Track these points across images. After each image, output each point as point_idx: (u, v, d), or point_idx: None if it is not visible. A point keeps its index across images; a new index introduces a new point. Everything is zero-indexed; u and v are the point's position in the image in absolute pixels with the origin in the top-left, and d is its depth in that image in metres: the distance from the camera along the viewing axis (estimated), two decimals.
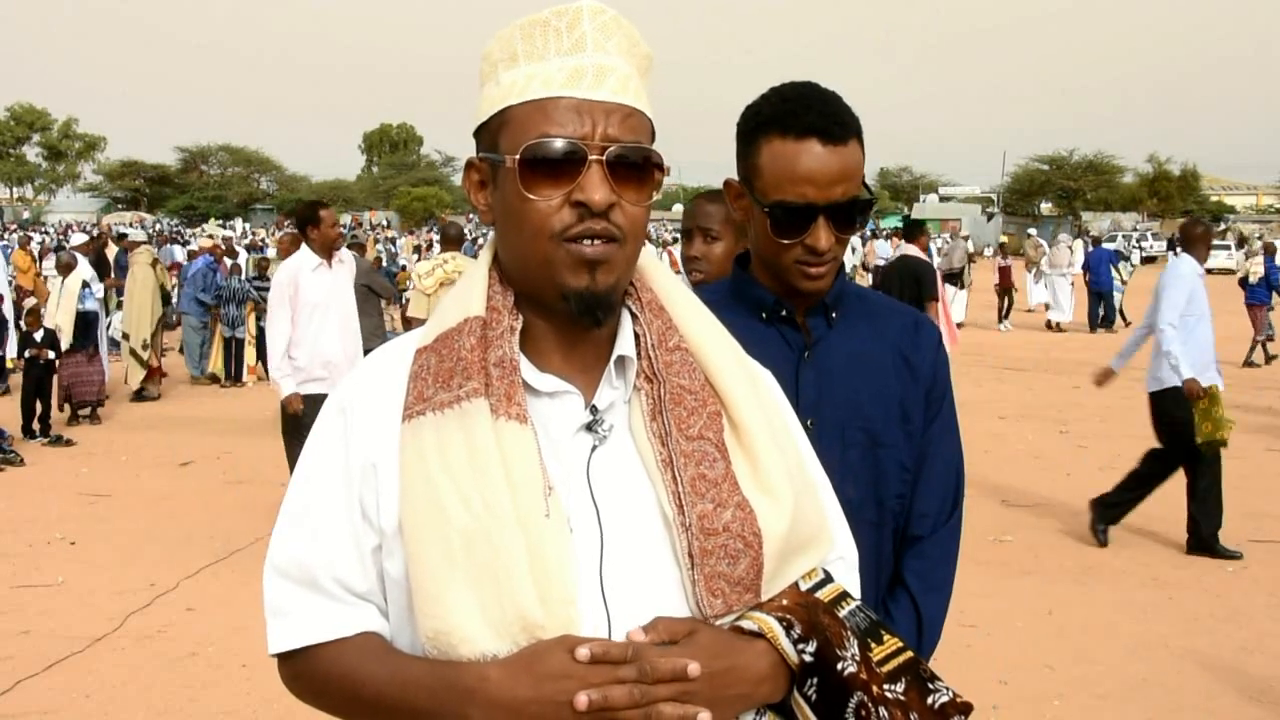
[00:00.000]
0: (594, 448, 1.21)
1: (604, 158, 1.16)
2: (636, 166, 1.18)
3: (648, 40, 1.26)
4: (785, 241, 1.67)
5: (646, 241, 1.33)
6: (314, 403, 5.99)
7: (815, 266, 1.67)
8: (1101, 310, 19.89)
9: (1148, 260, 35.90)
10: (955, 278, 19.95)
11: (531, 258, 1.19)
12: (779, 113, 1.66)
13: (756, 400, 1.27)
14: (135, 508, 7.61)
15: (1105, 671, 4.78)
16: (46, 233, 40.28)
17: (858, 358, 1.74)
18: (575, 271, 1.17)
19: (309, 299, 6.33)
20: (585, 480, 1.19)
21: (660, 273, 1.33)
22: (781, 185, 1.64)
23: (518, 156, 1.17)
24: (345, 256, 6.79)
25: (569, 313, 1.19)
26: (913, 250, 9.34)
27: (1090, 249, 22.54)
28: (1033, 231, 31.91)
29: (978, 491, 7.38)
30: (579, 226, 1.16)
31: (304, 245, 6.46)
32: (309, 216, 6.47)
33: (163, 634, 5.22)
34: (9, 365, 12.85)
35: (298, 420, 6.08)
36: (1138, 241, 42.46)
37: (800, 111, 1.64)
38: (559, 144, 1.15)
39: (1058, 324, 20.03)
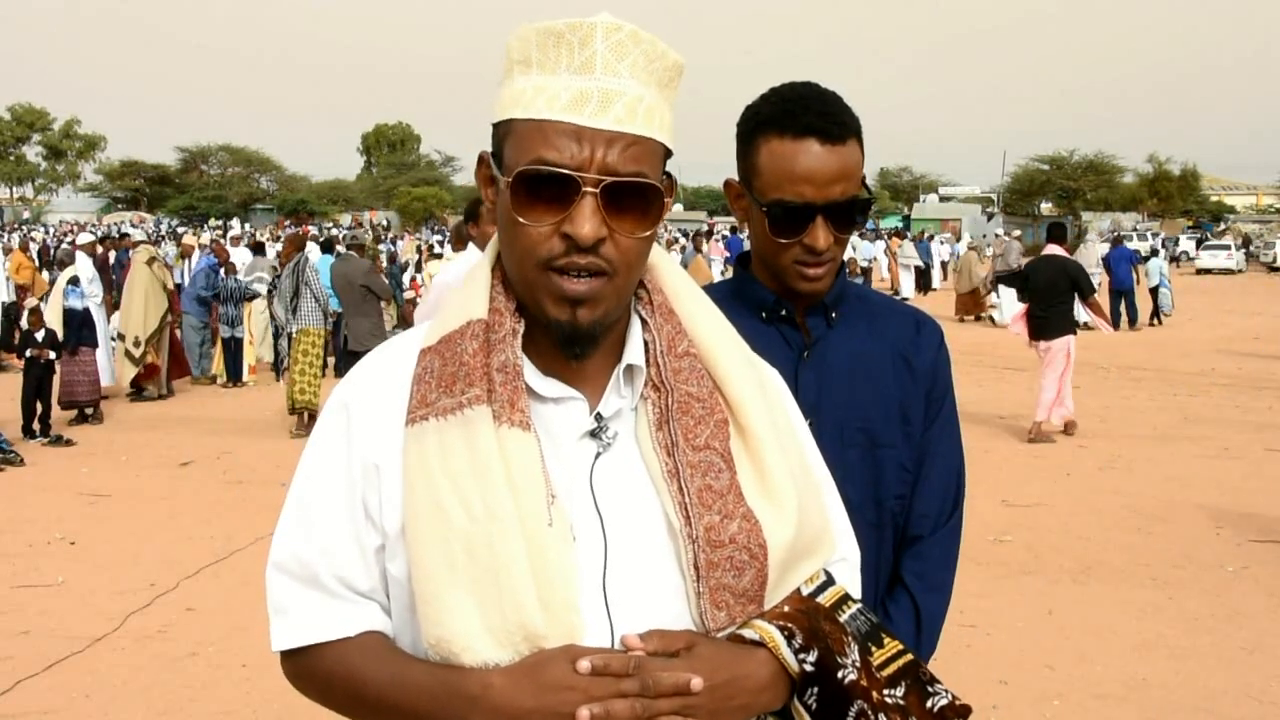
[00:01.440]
0: (598, 455, 1.20)
1: (598, 190, 1.13)
2: (636, 197, 1.15)
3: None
4: (783, 241, 1.67)
5: (654, 243, 1.32)
6: None
7: (813, 267, 1.67)
8: (1124, 310, 20.02)
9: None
10: (1014, 277, 20.00)
11: (520, 278, 1.19)
12: (778, 112, 1.66)
13: (764, 404, 1.26)
14: (135, 508, 7.61)
15: (1105, 671, 4.78)
16: (45, 232, 40.24)
17: (858, 358, 1.74)
18: (558, 305, 1.15)
19: None
20: (589, 488, 1.18)
21: (672, 272, 1.32)
22: (780, 185, 1.64)
23: (511, 178, 1.15)
24: None
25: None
26: (1057, 250, 10.12)
27: (1111, 248, 22.63)
28: (999, 231, 32.15)
29: (978, 491, 7.38)
30: (564, 259, 1.14)
31: (470, 245, 5.78)
32: (475, 213, 5.74)
33: (163, 634, 5.22)
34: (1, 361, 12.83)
35: None
36: (1164, 241, 42.49)
37: (799, 111, 1.64)
38: (552, 172, 1.13)
39: (1084, 323, 20.06)
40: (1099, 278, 20.59)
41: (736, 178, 1.76)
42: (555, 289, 1.15)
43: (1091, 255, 20.95)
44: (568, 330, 1.16)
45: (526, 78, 1.17)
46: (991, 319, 21.04)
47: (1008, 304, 19.88)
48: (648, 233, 1.17)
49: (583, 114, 1.13)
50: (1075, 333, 9.93)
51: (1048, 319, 9.74)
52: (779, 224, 1.66)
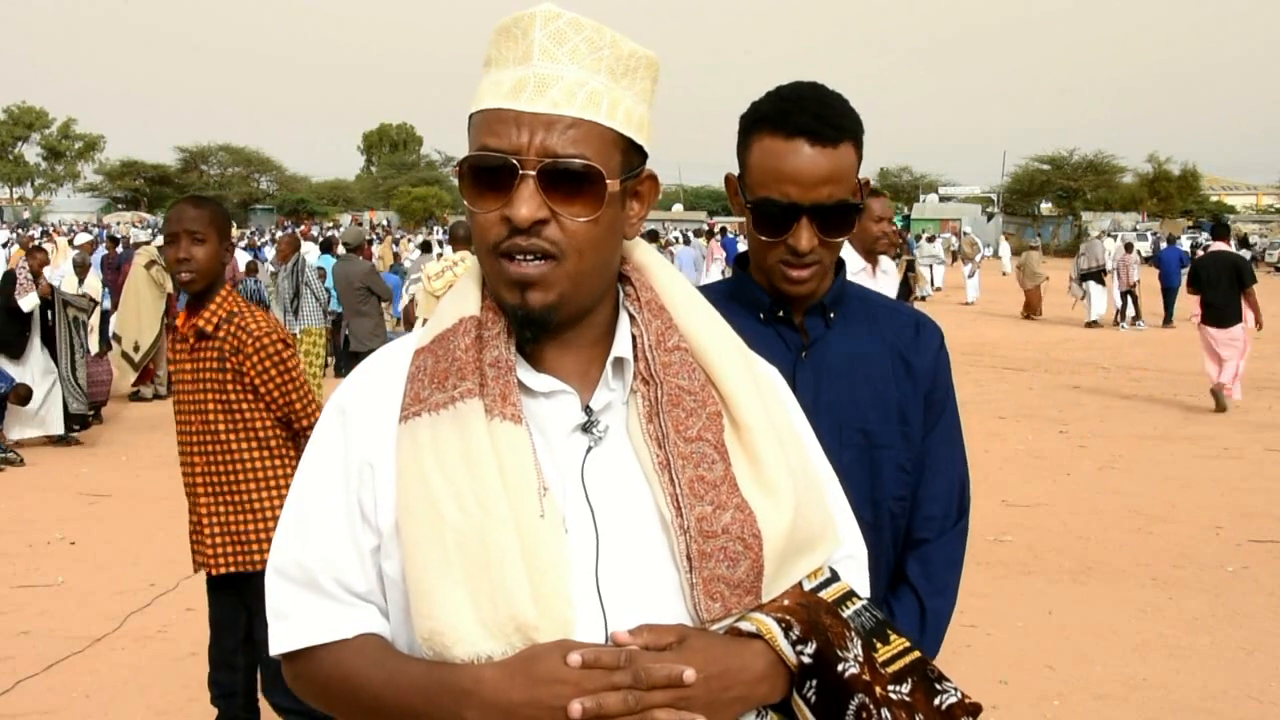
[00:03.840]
0: (589, 449, 1.21)
1: (535, 172, 1.14)
2: (580, 179, 1.15)
3: (646, 41, 1.23)
4: (767, 240, 1.67)
5: (644, 241, 1.32)
6: None
7: (797, 269, 1.67)
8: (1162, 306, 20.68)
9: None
10: (1098, 275, 20.25)
11: (482, 268, 1.21)
12: (773, 111, 1.66)
13: (759, 398, 1.26)
14: (135, 508, 7.61)
15: (1105, 671, 4.78)
16: (45, 232, 40.25)
17: (856, 359, 1.74)
18: (509, 288, 1.17)
19: None
20: (580, 481, 1.19)
21: (662, 270, 1.32)
22: (767, 183, 1.64)
23: (459, 168, 1.18)
24: (888, 266, 5.15)
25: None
26: (1222, 246, 11.69)
27: (1165, 247, 23.69)
28: (968, 230, 32.69)
29: (978, 491, 7.35)
30: (508, 242, 1.15)
31: (845, 244, 5.35)
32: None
33: (163, 634, 5.22)
34: None
35: None
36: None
37: (793, 111, 1.63)
38: (489, 157, 1.15)
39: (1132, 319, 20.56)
40: (1138, 273, 20.93)
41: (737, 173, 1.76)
42: (504, 273, 1.17)
43: (1096, 251, 20.98)
44: (520, 314, 1.17)
45: (486, 76, 1.21)
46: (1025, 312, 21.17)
47: (1096, 300, 20.18)
48: (592, 216, 1.17)
49: (520, 99, 1.15)
50: (1244, 320, 11.17)
51: (1224, 308, 11.05)
52: (763, 222, 1.66)
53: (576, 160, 1.15)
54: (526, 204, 1.13)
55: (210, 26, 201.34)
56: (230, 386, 3.33)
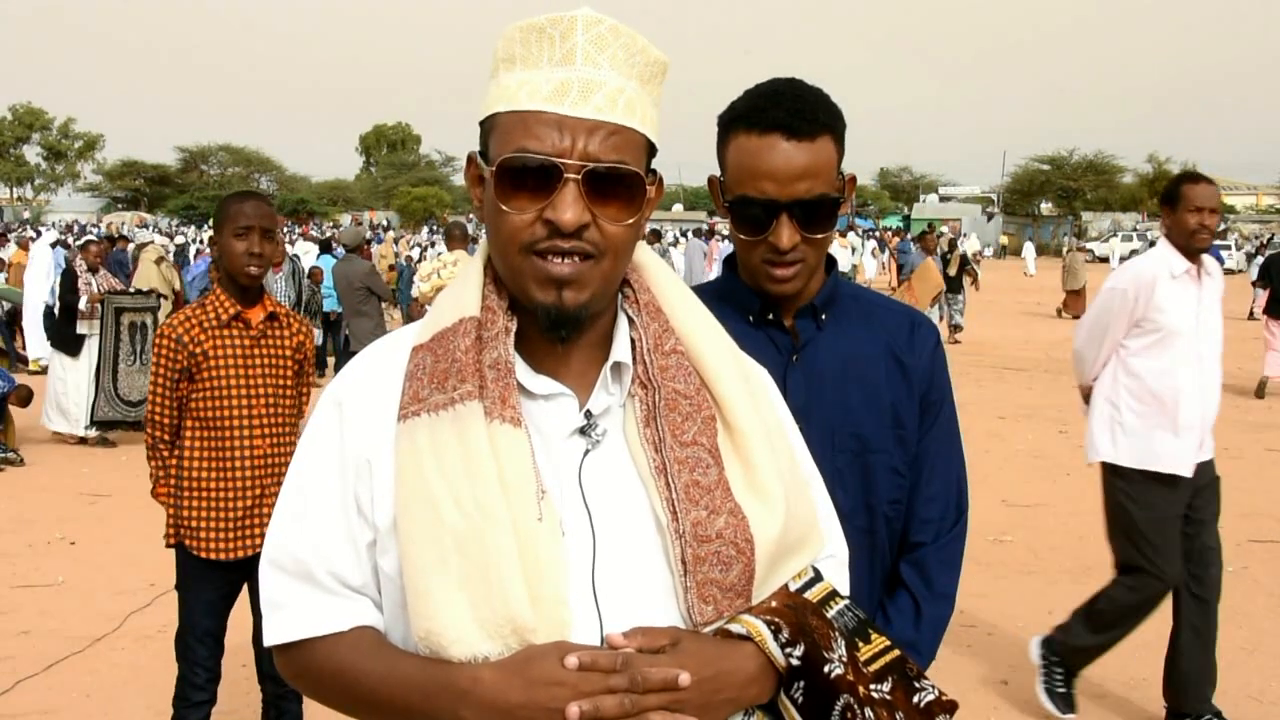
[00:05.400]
0: (587, 451, 1.21)
1: (580, 176, 1.14)
2: (618, 184, 1.17)
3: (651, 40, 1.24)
4: (748, 239, 1.65)
5: (643, 242, 1.33)
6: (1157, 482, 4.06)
7: (780, 267, 1.64)
8: None
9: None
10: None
11: (506, 266, 1.21)
12: (748, 108, 1.64)
13: (751, 402, 1.27)
14: (135, 508, 7.59)
15: (1105, 671, 4.77)
16: (39, 233, 40.19)
17: (849, 360, 1.71)
18: (543, 287, 1.17)
19: (1166, 321, 3.95)
20: (578, 484, 1.19)
21: (660, 272, 1.33)
22: (743, 180, 1.62)
23: (494, 167, 1.18)
24: (1213, 267, 4.09)
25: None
26: None
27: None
28: (945, 229, 33.16)
29: (978, 491, 7.35)
30: (547, 242, 1.16)
31: (1162, 241, 4.07)
32: (1170, 192, 3.98)
33: (163, 634, 5.21)
34: (34, 367, 12.73)
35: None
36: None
37: (767, 107, 1.62)
38: (534, 160, 1.15)
39: None
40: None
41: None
42: (539, 271, 1.17)
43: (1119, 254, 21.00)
44: (554, 313, 1.17)
45: (510, 74, 1.20)
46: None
47: None
48: (631, 220, 1.19)
49: (564, 103, 1.15)
50: None
51: None
52: (743, 221, 1.64)
53: (621, 166, 1.16)
54: (572, 208, 1.14)
55: (210, 26, 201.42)
56: (295, 370, 3.52)
